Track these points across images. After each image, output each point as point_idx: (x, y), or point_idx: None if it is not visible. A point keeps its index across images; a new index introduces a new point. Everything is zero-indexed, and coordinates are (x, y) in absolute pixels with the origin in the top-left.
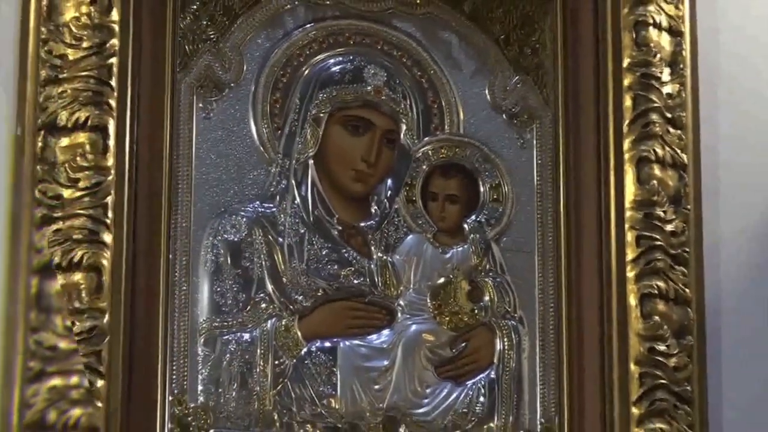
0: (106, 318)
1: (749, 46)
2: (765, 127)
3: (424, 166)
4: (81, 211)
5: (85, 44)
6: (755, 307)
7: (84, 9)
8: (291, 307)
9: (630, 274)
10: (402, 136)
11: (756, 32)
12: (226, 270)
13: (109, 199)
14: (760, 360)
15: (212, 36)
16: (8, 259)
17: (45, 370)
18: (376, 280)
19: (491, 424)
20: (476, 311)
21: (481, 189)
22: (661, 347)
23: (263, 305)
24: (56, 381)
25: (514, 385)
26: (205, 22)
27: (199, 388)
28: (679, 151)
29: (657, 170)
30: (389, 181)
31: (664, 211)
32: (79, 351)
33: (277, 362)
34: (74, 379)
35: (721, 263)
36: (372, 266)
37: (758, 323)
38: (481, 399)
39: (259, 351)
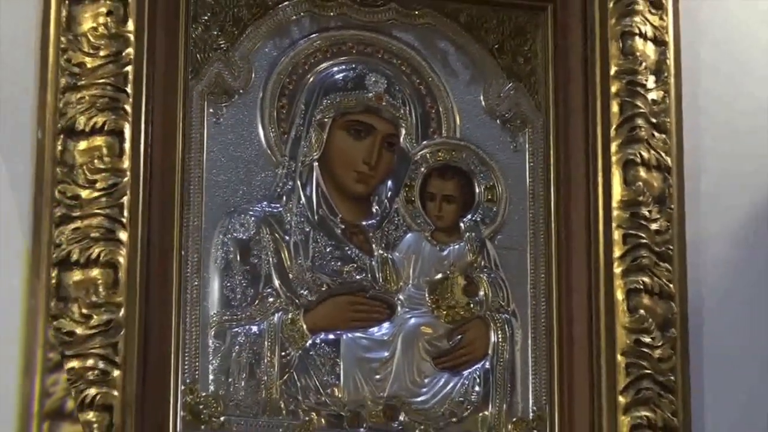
0: (122, 312)
1: (729, 55)
2: (744, 131)
3: (423, 168)
4: (98, 211)
5: (102, 53)
6: (735, 301)
7: (101, 20)
8: (297, 301)
9: (617, 270)
10: (402, 139)
11: (735, 42)
12: (236, 266)
13: (125, 200)
14: (740, 351)
15: (222, 45)
16: (30, 255)
17: (64, 354)
18: (377, 275)
19: (486, 412)
20: (472, 305)
21: (477, 190)
22: (647, 339)
23: (270, 300)
24: (74, 363)
25: (507, 375)
26: (215, 32)
27: (210, 377)
28: (663, 154)
29: (642, 172)
30: (389, 183)
31: (649, 211)
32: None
33: (283, 353)
34: (90, 362)
35: (703, 260)
36: (373, 263)
37: (738, 317)
38: (477, 388)
39: (266, 343)
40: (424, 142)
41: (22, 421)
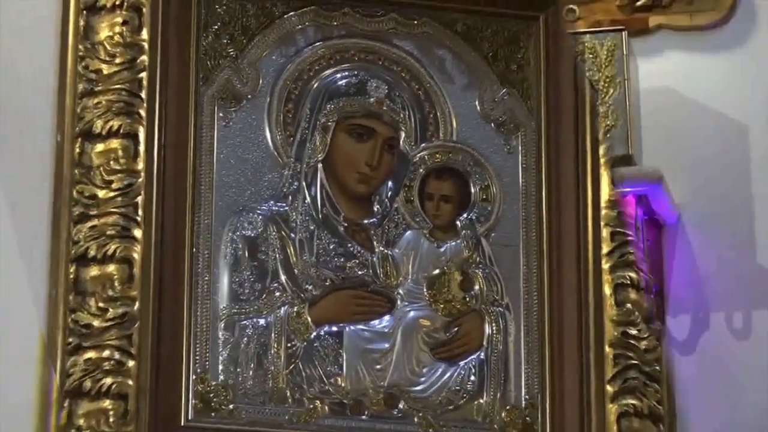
0: (137, 305)
1: None
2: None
3: (421, 170)
4: (114, 210)
5: (118, 60)
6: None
7: (117, 29)
8: (302, 295)
9: (605, 266)
10: (401, 142)
11: None
12: (244, 262)
13: (139, 199)
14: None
15: (231, 53)
16: (50, 251)
17: (81, 345)
18: (378, 271)
19: (481, 400)
20: (467, 299)
21: (472, 190)
22: (633, 331)
23: (277, 294)
24: (91, 354)
25: (501, 365)
26: (225, 41)
27: (220, 367)
28: None
29: None
30: (390, 183)
31: None
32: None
33: (289, 345)
34: (106, 353)
35: None
36: (374, 259)
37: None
38: (472, 378)
39: (273, 335)
40: (423, 145)
41: (43, 400)
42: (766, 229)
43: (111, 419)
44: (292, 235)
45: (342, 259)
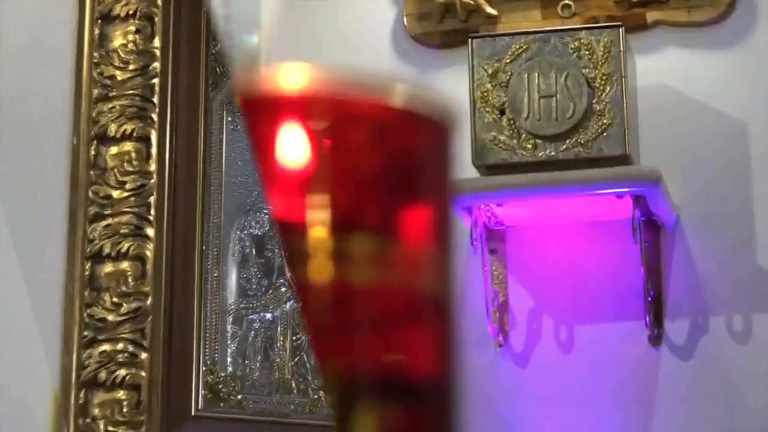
0: (149, 300)
1: None
2: None
3: None
4: (128, 209)
5: (131, 67)
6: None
7: (130, 37)
8: None
9: None
10: None
11: None
12: (251, 259)
13: (152, 199)
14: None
15: None
16: (67, 248)
17: (96, 338)
18: None
19: None
20: None
21: None
22: None
23: (283, 289)
24: (106, 346)
25: None
26: None
27: (228, 360)
28: None
29: None
30: None
31: None
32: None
33: (294, 338)
34: (120, 346)
35: None
36: None
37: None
38: None
39: (279, 328)
40: None
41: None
42: (767, 230)
43: (125, 409)
44: None
45: None
